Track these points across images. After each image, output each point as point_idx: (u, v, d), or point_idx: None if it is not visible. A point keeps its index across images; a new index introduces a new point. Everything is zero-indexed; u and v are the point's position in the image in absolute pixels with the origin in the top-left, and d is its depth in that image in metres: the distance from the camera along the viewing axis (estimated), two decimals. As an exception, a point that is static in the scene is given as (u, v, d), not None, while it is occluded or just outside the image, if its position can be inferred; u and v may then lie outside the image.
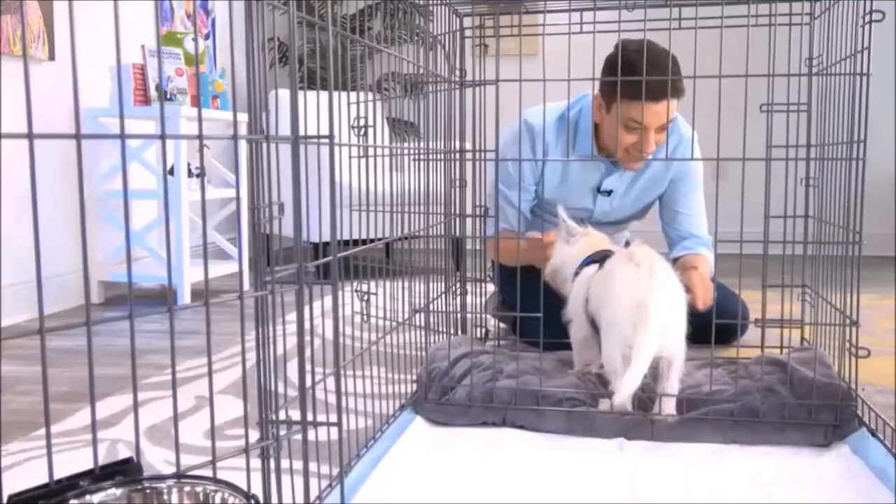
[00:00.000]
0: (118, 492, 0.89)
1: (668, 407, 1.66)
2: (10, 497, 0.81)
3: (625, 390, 1.52)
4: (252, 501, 0.91)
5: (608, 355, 1.65)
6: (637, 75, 1.82)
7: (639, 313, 1.58)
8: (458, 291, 2.27)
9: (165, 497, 0.92)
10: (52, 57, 3.02)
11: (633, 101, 1.99)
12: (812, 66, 1.82)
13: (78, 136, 0.81)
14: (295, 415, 1.08)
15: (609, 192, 2.34)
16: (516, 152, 2.15)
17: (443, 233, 2.10)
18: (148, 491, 0.91)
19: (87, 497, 0.87)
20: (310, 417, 1.07)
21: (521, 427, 1.69)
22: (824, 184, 1.78)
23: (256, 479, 1.02)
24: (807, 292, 1.92)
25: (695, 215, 2.37)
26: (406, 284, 1.94)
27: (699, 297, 2.01)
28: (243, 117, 3.33)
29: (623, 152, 2.13)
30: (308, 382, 1.13)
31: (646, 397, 1.71)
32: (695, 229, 2.35)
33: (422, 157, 1.96)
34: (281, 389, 1.92)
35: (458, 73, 2.14)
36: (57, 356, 2.39)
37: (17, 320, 2.86)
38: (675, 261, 2.39)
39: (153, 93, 3.27)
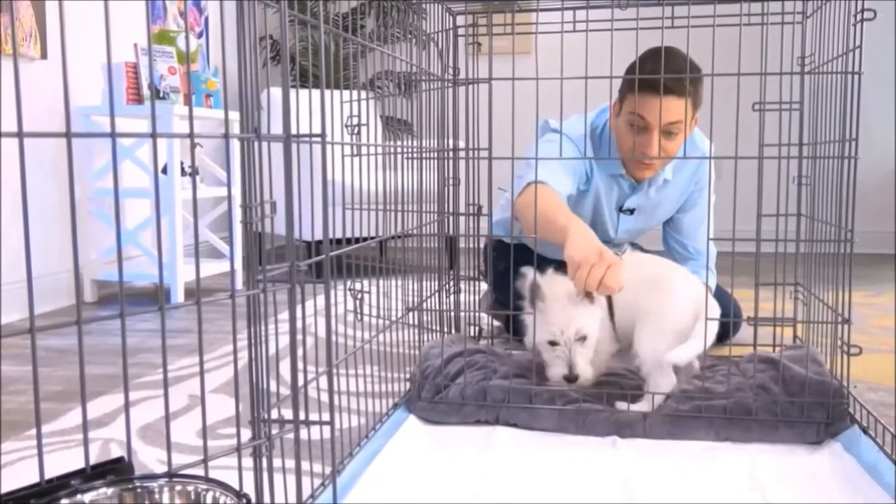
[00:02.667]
0: (109, 491, 0.89)
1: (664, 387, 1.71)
2: (2, 496, 0.81)
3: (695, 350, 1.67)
4: (244, 500, 0.91)
5: (659, 350, 1.69)
6: (647, 70, 1.82)
7: (698, 306, 1.71)
8: (452, 290, 2.27)
9: (157, 496, 0.92)
10: (44, 55, 3.01)
11: (637, 94, 1.96)
12: (804, 65, 1.82)
13: (69, 135, 0.81)
14: (287, 414, 1.08)
15: (632, 211, 2.30)
16: (559, 154, 2.04)
17: (436, 231, 2.10)
18: (139, 490, 0.91)
19: (79, 496, 0.87)
20: (302, 416, 1.07)
21: (514, 425, 1.69)
22: (816, 182, 1.79)
23: (249, 478, 1.02)
24: (799, 290, 1.93)
25: (698, 228, 2.34)
26: (399, 283, 1.94)
27: None
28: (236, 116, 3.32)
29: (630, 158, 2.10)
30: (300, 381, 1.13)
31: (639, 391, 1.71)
32: (699, 244, 2.33)
33: (415, 155, 1.96)
34: (273, 388, 1.92)
35: (451, 71, 2.14)
36: (49, 355, 2.38)
37: (10, 319, 2.85)
38: None
39: (146, 91, 3.26)
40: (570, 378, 1.71)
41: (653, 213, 2.32)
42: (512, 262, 1.82)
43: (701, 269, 2.23)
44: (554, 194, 1.95)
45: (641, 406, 1.69)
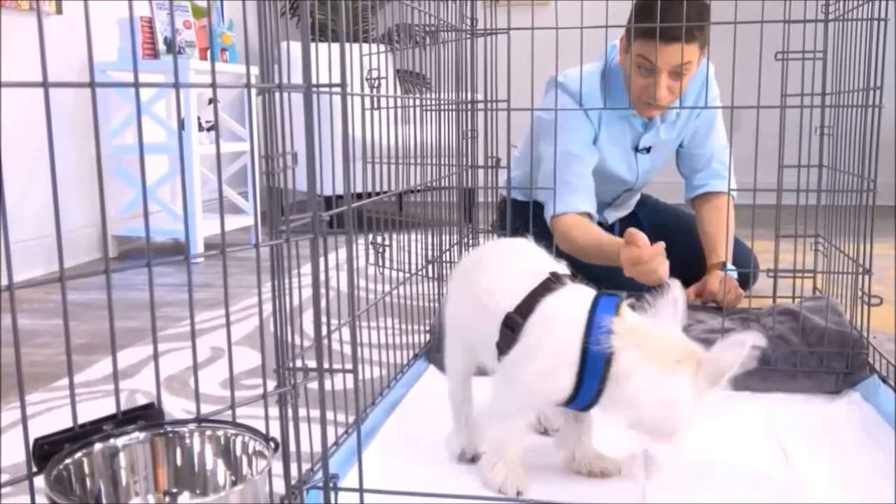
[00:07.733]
0: (141, 435, 0.91)
1: None
2: (37, 440, 0.83)
3: None
4: (272, 445, 0.93)
5: None
6: (654, 15, 1.80)
7: None
8: (470, 243, 2.28)
9: (187, 441, 0.94)
10: (59, 11, 3.01)
11: (645, 40, 1.96)
12: (828, 12, 1.79)
13: (92, 85, 0.81)
14: (311, 364, 1.10)
15: (648, 150, 2.29)
16: (564, 116, 2.08)
17: (455, 184, 2.09)
18: (170, 435, 0.93)
19: (112, 441, 0.89)
20: (326, 366, 1.08)
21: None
22: (839, 132, 1.77)
23: (274, 427, 1.04)
24: (820, 242, 1.92)
25: (711, 142, 2.33)
26: (418, 236, 1.94)
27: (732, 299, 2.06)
28: (253, 70, 3.31)
29: (638, 99, 2.10)
30: (324, 331, 1.14)
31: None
32: (713, 152, 2.33)
33: (433, 108, 1.95)
34: (297, 341, 1.94)
35: (469, 22, 2.12)
36: (73, 309, 2.41)
37: (32, 274, 2.89)
38: (691, 202, 2.35)
39: (161, 46, 3.25)
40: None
41: (665, 149, 2.32)
42: (532, 218, 1.83)
43: (711, 179, 2.27)
44: (585, 225, 2.10)
45: None
